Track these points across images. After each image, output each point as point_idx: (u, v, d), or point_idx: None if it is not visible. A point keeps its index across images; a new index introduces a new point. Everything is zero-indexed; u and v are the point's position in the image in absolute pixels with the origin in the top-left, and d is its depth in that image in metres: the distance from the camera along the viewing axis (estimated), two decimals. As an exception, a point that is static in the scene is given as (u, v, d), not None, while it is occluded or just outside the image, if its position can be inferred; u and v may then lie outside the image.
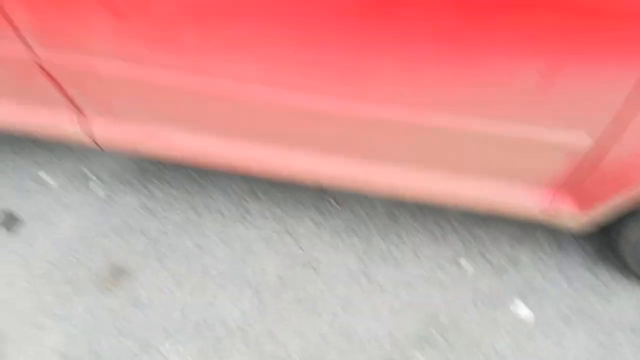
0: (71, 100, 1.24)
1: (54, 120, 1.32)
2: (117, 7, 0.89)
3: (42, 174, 1.72)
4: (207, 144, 1.25)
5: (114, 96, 1.17)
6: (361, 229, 1.56)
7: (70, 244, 1.57)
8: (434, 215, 1.59)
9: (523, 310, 1.40)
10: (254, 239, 1.55)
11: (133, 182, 1.69)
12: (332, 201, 1.62)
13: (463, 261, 1.49)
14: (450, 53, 0.84)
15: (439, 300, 1.42)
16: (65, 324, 1.42)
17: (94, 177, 1.71)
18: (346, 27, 0.84)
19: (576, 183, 1.08)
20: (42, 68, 1.12)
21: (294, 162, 1.23)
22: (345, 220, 1.58)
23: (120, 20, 0.90)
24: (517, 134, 0.97)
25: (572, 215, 1.16)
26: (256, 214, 1.60)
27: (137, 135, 1.29)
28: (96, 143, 1.37)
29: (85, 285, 1.49)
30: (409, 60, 0.87)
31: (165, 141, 1.29)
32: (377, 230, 1.55)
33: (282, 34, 0.88)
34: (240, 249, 1.53)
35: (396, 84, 0.92)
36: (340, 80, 0.95)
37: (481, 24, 0.79)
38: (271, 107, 1.08)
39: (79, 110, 1.28)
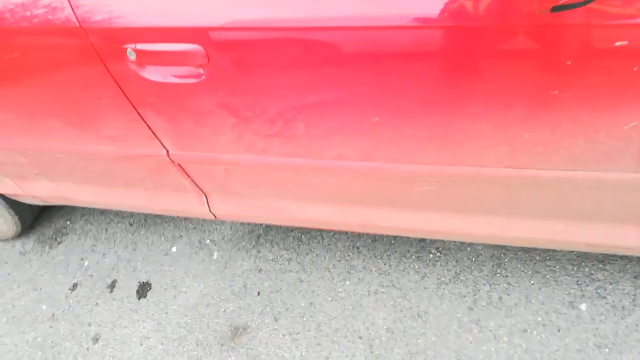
0: (198, 187, 1.44)
1: (184, 203, 1.53)
2: (240, 112, 1.06)
3: (173, 249, 1.95)
4: (312, 209, 1.37)
5: (234, 180, 1.35)
6: (467, 277, 1.56)
7: (199, 308, 1.74)
8: (542, 257, 1.55)
9: (657, 355, 1.30)
10: (362, 294, 1.61)
11: (247, 247, 1.86)
12: (434, 250, 1.65)
13: (580, 303, 1.43)
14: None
15: (557, 346, 1.37)
16: (198, 383, 1.56)
17: (215, 247, 1.91)
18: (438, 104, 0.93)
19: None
20: (176, 164, 1.33)
21: (395, 221, 1.30)
22: (449, 269, 1.60)
23: (244, 123, 1.08)
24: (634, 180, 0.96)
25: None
26: (361, 269, 1.68)
27: (251, 207, 1.45)
28: (216, 217, 1.55)
29: (212, 346, 1.64)
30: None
31: (275, 210, 1.43)
32: (484, 277, 1.55)
33: (377, 122, 0.99)
34: (350, 305, 1.60)
35: (493, 146, 0.98)
36: (439, 149, 1.03)
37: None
38: (369, 177, 1.18)
39: (204, 193, 1.47)
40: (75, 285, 1.94)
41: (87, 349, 1.74)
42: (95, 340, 1.76)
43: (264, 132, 1.11)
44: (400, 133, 1.01)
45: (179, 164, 1.32)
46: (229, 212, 1.49)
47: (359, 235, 1.76)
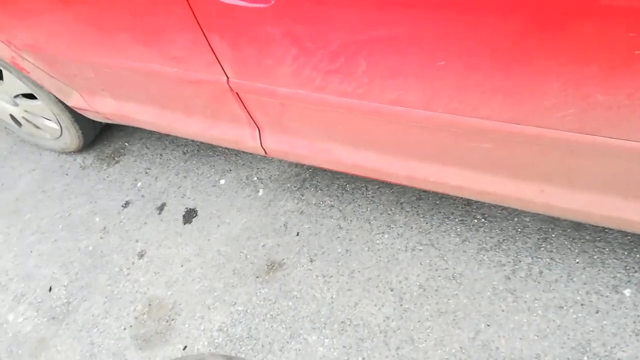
0: (253, 119, 1.45)
1: (237, 135, 1.55)
2: (303, 43, 1.05)
3: (222, 181, 2.00)
4: (361, 155, 1.36)
5: (288, 115, 1.35)
6: (509, 247, 1.53)
7: (239, 240, 1.80)
8: (592, 237, 1.49)
9: (701, 352, 1.24)
10: (399, 249, 1.62)
11: (292, 189, 1.88)
12: (479, 216, 1.62)
13: (625, 289, 1.38)
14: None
15: (593, 326, 1.33)
16: (229, 308, 1.64)
17: (261, 184, 1.95)
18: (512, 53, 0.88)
19: None
20: (234, 93, 1.34)
21: (444, 177, 1.27)
22: (492, 236, 1.57)
23: (305, 55, 1.07)
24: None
25: None
26: (402, 225, 1.67)
27: (301, 146, 1.45)
28: (266, 152, 1.57)
29: (248, 276, 1.70)
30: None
31: (324, 152, 1.43)
32: (527, 249, 1.51)
33: (443, 67, 0.96)
34: (386, 257, 1.61)
35: (563, 106, 0.93)
36: (503, 103, 0.99)
37: None
38: (425, 128, 1.15)
39: (257, 126, 1.49)
40: (127, 203, 2.04)
41: (133, 263, 1.85)
42: (141, 255, 1.86)
43: (324, 67, 1.10)
44: (465, 82, 0.98)
45: (237, 93, 1.34)
46: (279, 148, 1.51)
47: (404, 192, 1.75)
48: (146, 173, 2.13)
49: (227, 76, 1.29)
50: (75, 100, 1.85)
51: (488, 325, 1.40)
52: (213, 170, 2.05)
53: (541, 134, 1.01)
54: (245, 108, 1.41)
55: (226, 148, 2.08)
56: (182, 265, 1.79)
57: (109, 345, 1.66)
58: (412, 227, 1.66)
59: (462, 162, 1.22)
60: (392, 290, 1.54)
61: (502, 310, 1.42)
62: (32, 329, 1.77)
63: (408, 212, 1.70)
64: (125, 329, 1.68)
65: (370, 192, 1.78)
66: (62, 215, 2.08)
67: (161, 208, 1.99)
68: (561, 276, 1.43)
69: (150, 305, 1.72)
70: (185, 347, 1.59)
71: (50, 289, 1.86)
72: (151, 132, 2.30)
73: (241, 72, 1.24)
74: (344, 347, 1.47)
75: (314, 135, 1.41)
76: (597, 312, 1.35)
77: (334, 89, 1.15)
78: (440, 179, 1.28)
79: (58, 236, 2.02)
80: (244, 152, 2.05)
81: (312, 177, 1.90)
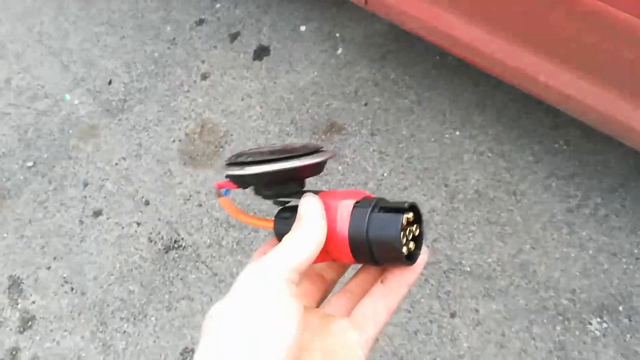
0: None
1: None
2: None
3: (302, 27, 1.88)
4: (477, 33, 1.22)
5: None
6: (582, 181, 1.44)
7: (305, 92, 1.73)
8: (675, 199, 1.39)
9: None
10: (467, 150, 1.54)
11: (374, 58, 1.77)
12: (562, 142, 1.50)
13: (689, 259, 1.30)
14: None
15: (642, 283, 1.28)
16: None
17: (342, 43, 1.83)
18: None
19: None
20: None
21: (560, 81, 1.14)
22: (568, 165, 1.47)
23: None
24: None
25: None
26: (478, 127, 1.57)
27: (413, 5, 1.31)
28: (367, 3, 1.43)
29: (304, 130, 1.65)
30: None
31: (436, 19, 1.29)
32: (601, 189, 1.42)
33: None
34: (450, 154, 1.54)
35: None
36: None
37: None
38: (575, 16, 1.00)
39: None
40: (201, 21, 1.95)
41: (194, 82, 1.81)
42: (204, 77, 1.82)
43: None
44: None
45: None
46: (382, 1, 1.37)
47: (492, 95, 1.62)
48: (227, -4, 2.01)
49: None
50: None
51: (533, 248, 1.36)
52: (296, 13, 1.92)
53: None
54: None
55: (315, -5, 1.93)
56: (242, 99, 1.75)
57: (156, 151, 1.68)
58: (487, 132, 1.56)
59: (589, 68, 1.09)
60: (446, 186, 1.49)
61: (553, 239, 1.37)
62: (86, 114, 1.79)
63: (488, 115, 1.59)
64: (174, 141, 1.69)
65: (455, 85, 1.66)
66: (134, 14, 2.01)
67: (234, 36, 1.90)
68: (627, 225, 1.36)
69: (202, 126, 1.71)
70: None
71: (110, 82, 1.85)
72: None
73: None
74: (381, 223, 1.46)
75: None
76: (651, 270, 1.29)
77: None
78: (552, 80, 1.15)
79: (127, 33, 1.97)
80: (332, 4, 1.90)
81: (398, 52, 1.77)
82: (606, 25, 0.98)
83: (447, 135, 1.57)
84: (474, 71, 1.49)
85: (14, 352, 1.40)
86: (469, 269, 1.36)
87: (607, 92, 1.10)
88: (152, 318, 1.42)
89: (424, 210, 1.45)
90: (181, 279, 1.47)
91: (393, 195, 1.49)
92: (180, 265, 1.49)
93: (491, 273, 1.35)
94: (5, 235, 1.58)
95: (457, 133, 1.57)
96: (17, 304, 1.47)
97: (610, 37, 1.00)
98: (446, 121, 1.60)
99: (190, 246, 1.51)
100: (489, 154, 1.52)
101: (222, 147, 1.66)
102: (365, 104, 1.67)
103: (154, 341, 1.38)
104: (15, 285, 1.49)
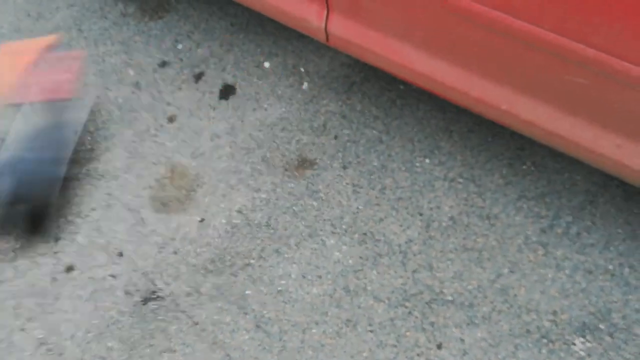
0: None
1: (302, 10, 1.42)
2: None
3: (266, 64, 1.89)
4: (436, 65, 1.25)
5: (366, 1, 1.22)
6: (552, 200, 1.47)
7: (274, 129, 1.73)
8: (641, 211, 1.43)
9: None
10: (438, 177, 1.55)
11: (339, 90, 1.78)
12: (529, 163, 1.54)
13: (660, 271, 1.34)
14: None
15: (618, 298, 1.31)
16: (252, 193, 1.60)
17: (307, 77, 1.84)
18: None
19: None
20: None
21: (520, 108, 1.17)
22: (537, 186, 1.50)
23: None
24: None
25: None
26: (446, 153, 1.60)
27: (371, 39, 1.33)
28: (328, 39, 1.44)
29: (276, 167, 1.65)
30: None
31: (394, 52, 1.31)
32: (570, 207, 1.45)
33: None
34: (422, 182, 1.55)
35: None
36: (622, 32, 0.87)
37: None
38: (519, 42, 1.03)
39: (328, 5, 1.36)
40: (164, 63, 1.94)
41: (161, 126, 1.79)
42: (171, 120, 1.80)
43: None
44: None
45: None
46: (344, 36, 1.38)
47: (457, 120, 1.65)
48: (188, 37, 2.00)
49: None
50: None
51: (512, 271, 1.38)
52: (259, 50, 1.93)
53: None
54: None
55: (276, 29, 1.94)
56: (211, 140, 1.73)
57: (127, 200, 1.64)
58: (456, 158, 1.58)
59: (545, 94, 1.12)
60: (421, 215, 1.50)
61: (530, 261, 1.39)
62: (51, 166, 1.75)
63: (456, 141, 1.61)
64: (144, 188, 1.66)
65: (420, 113, 1.69)
66: (95, 59, 1.98)
67: (198, 77, 1.89)
68: (598, 242, 1.39)
69: (172, 171, 1.69)
70: (203, 219, 1.58)
71: (75, 132, 1.81)
72: (200, -5, 2.14)
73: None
74: (360, 257, 1.46)
75: (389, 29, 1.28)
76: (625, 285, 1.32)
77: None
78: (513, 108, 1.18)
79: (89, 80, 1.94)
80: (294, 38, 1.91)
81: (362, 83, 1.79)
82: (555, 53, 1.01)
83: (417, 164, 1.59)
84: (438, 98, 1.51)
85: None
86: (450, 298, 1.36)
87: (569, 118, 1.13)
88: (133, 376, 1.37)
89: (401, 241, 1.46)
90: (162, 331, 1.43)
91: (370, 228, 1.49)
92: (159, 317, 1.45)
93: (473, 300, 1.36)
94: (-28, 300, 1.52)
95: (427, 160, 1.59)
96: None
97: (564, 65, 1.03)
98: (415, 149, 1.62)
99: (169, 296, 1.48)
100: (460, 180, 1.54)
101: (194, 190, 1.64)
102: (335, 137, 1.68)
103: (137, 400, 1.34)
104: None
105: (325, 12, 1.38)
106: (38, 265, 1.56)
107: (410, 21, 1.23)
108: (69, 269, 1.54)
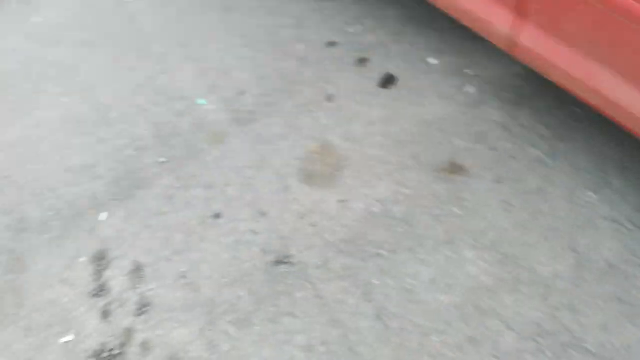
0: (523, 4, 1.25)
1: (489, 13, 1.36)
2: None
3: (431, 60, 1.86)
4: (632, 98, 1.13)
5: (570, 17, 1.14)
6: None
7: (430, 127, 1.70)
8: None
9: None
10: (603, 216, 1.43)
11: (506, 100, 1.70)
12: None
13: None
14: None
15: None
16: (396, 186, 1.60)
17: (473, 81, 1.78)
18: None
19: None
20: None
21: None
22: None
23: None
24: None
25: None
26: (617, 192, 1.46)
27: (563, 59, 1.24)
28: (511, 47, 1.38)
29: (425, 165, 1.63)
30: None
31: (587, 76, 1.22)
32: None
33: None
34: (583, 217, 1.44)
35: None
36: None
37: None
38: None
39: (521, 15, 1.29)
40: (333, 44, 1.99)
41: (320, 103, 1.85)
42: (330, 99, 1.85)
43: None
44: None
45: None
46: (533, 48, 1.31)
47: (633, 157, 1.50)
48: (360, 21, 2.03)
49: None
50: None
51: (670, 337, 1.24)
52: (427, 45, 1.90)
53: None
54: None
55: (447, 27, 1.90)
56: (365, 125, 1.75)
57: (276, 165, 1.73)
58: (627, 199, 1.44)
59: None
60: (575, 252, 1.39)
61: None
62: (216, 120, 1.89)
63: (629, 180, 1.47)
64: (295, 159, 1.73)
65: (594, 142, 1.56)
66: (269, 30, 2.09)
67: (363, 62, 1.92)
68: None
69: (323, 148, 1.74)
70: (344, 200, 1.61)
71: (242, 93, 1.94)
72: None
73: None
74: (498, 278, 1.40)
75: (587, 50, 1.18)
76: None
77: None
78: None
79: (260, 47, 2.06)
80: (466, 39, 1.85)
81: (533, 97, 1.69)
82: None
83: (581, 196, 1.47)
84: (618, 128, 1.38)
85: (128, 333, 1.51)
86: (591, 349, 1.26)
87: None
88: (257, 327, 1.46)
89: (546, 273, 1.37)
90: (288, 295, 1.49)
91: (514, 251, 1.42)
92: (288, 281, 1.52)
93: (615, 356, 1.24)
94: (134, 223, 1.71)
95: (594, 195, 1.47)
96: (137, 289, 1.57)
97: None
98: (582, 180, 1.50)
99: (299, 264, 1.54)
100: (627, 225, 1.40)
101: (340, 170, 1.68)
102: (493, 148, 1.62)
103: (255, 350, 1.42)
104: (137, 270, 1.60)
105: (517, 20, 1.32)
106: (191, 206, 1.71)
107: (613, 46, 1.13)
108: (217, 216, 1.67)
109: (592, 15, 1.12)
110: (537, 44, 1.32)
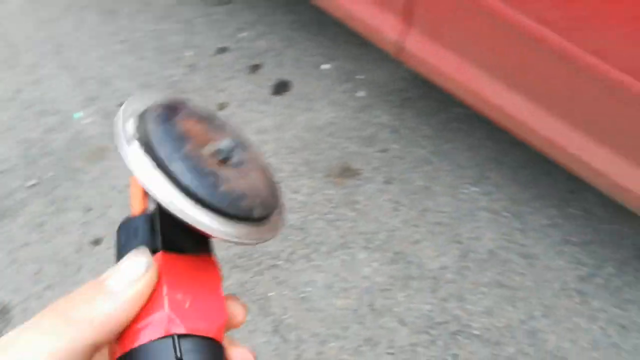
0: (409, 12, 1.30)
1: (378, 20, 1.40)
2: None
3: (324, 65, 1.88)
4: (514, 101, 1.21)
5: (454, 24, 1.20)
6: (596, 250, 1.43)
7: (321, 132, 1.72)
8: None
9: None
10: (482, 207, 1.52)
11: (393, 103, 1.76)
12: (580, 209, 1.50)
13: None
14: None
15: (653, 364, 1.26)
16: (290, 194, 1.59)
17: (362, 85, 1.82)
18: None
19: None
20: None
21: (592, 157, 1.13)
22: (583, 233, 1.46)
23: None
24: None
25: None
26: (494, 184, 1.56)
27: (447, 64, 1.30)
28: (398, 52, 1.42)
29: (318, 171, 1.64)
30: None
31: (470, 80, 1.28)
32: (615, 259, 1.41)
33: None
34: (465, 210, 1.53)
35: None
36: None
37: None
38: (614, 93, 1.00)
39: (407, 22, 1.34)
40: (223, 50, 1.95)
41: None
42: (221, 107, 1.80)
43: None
44: None
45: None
46: (418, 54, 1.35)
47: (509, 152, 1.62)
48: (252, 27, 2.01)
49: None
50: None
51: (544, 315, 1.34)
52: (319, 51, 1.93)
53: None
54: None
55: (339, 32, 1.93)
56: (257, 133, 1.73)
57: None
58: (503, 191, 1.55)
59: (626, 148, 1.08)
60: (459, 243, 1.47)
61: (564, 308, 1.35)
62: (94, 135, 1.77)
63: (505, 174, 1.58)
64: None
65: (473, 139, 1.66)
66: (156, 35, 2.00)
67: (255, 68, 1.90)
68: (639, 299, 1.34)
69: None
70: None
71: (121, 104, 1.83)
72: (266, -13, 2.14)
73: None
74: (390, 276, 1.44)
75: (469, 55, 1.25)
76: (663, 351, 1.27)
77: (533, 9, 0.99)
78: (585, 155, 1.14)
79: (146, 55, 1.96)
80: (355, 44, 1.90)
81: (418, 100, 1.77)
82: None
83: (463, 190, 1.56)
84: (494, 126, 1.48)
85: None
86: (477, 332, 1.33)
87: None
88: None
89: (434, 266, 1.43)
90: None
91: (404, 249, 1.47)
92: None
93: (500, 338, 1.33)
94: None
95: (473, 189, 1.56)
96: (3, 334, 1.42)
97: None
98: (463, 175, 1.59)
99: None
100: (504, 214, 1.51)
101: (234, 180, 1.64)
102: (382, 150, 1.67)
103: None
104: (2, 312, 1.44)
105: (403, 27, 1.36)
106: (65, 233, 1.58)
107: (492, 51, 1.21)
108: (97, 241, 1.56)
109: (471, 22, 1.19)
110: (421, 50, 1.37)
